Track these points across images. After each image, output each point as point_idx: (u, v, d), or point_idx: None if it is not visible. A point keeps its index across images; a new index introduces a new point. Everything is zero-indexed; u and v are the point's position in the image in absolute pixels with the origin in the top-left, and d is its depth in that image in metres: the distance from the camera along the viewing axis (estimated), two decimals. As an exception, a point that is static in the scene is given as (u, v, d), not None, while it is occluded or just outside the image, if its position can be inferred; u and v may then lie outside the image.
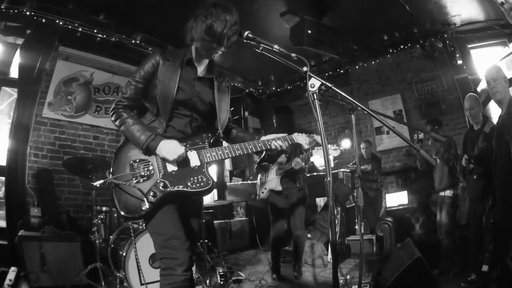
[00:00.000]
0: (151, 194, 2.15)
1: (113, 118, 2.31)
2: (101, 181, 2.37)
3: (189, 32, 2.28)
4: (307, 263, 5.62)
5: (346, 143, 8.11)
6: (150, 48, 6.36)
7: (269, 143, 2.45)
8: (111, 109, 2.33)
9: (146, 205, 2.14)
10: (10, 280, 3.71)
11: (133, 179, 2.19)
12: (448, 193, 4.80)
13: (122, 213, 2.17)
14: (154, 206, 2.15)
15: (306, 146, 2.74)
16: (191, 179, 2.24)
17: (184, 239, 2.15)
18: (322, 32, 5.98)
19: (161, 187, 2.18)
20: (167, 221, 2.19)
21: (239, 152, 2.38)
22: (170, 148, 2.19)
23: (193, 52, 2.40)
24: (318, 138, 2.80)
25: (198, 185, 2.24)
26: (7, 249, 4.48)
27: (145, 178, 2.20)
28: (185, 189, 2.22)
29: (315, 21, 5.94)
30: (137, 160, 2.24)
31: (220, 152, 2.34)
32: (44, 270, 4.07)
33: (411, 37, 7.19)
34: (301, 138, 2.67)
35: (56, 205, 5.57)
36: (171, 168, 2.25)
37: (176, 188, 2.21)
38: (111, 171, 2.24)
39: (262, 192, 4.74)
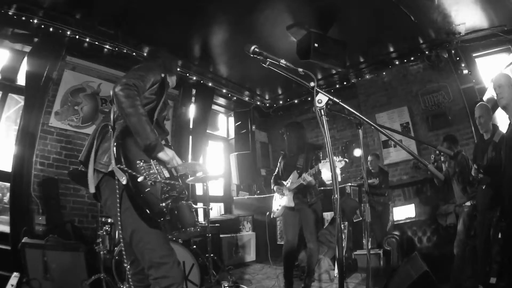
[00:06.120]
0: (164, 196, 2.20)
1: (124, 95, 2.23)
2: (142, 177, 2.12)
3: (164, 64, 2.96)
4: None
5: (357, 152, 8.13)
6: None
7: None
8: (123, 83, 2.29)
9: (160, 207, 2.16)
10: (12, 285, 3.71)
11: (148, 179, 2.16)
12: (468, 203, 4.71)
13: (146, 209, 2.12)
14: (166, 210, 2.19)
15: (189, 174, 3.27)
16: (178, 186, 2.39)
17: (176, 257, 2.21)
18: (329, 45, 5.99)
19: (166, 190, 2.25)
20: (162, 236, 2.24)
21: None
22: (172, 156, 2.38)
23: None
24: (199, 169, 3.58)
25: (184, 192, 2.42)
26: (10, 254, 4.45)
27: (154, 179, 2.20)
28: (181, 195, 2.37)
29: (322, 33, 5.96)
30: (143, 161, 2.23)
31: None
32: (46, 278, 4.05)
33: (416, 48, 7.21)
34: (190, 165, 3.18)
35: (60, 214, 5.56)
36: (166, 174, 2.36)
37: (175, 194, 2.31)
38: (115, 157, 2.13)
39: (277, 209, 4.83)
